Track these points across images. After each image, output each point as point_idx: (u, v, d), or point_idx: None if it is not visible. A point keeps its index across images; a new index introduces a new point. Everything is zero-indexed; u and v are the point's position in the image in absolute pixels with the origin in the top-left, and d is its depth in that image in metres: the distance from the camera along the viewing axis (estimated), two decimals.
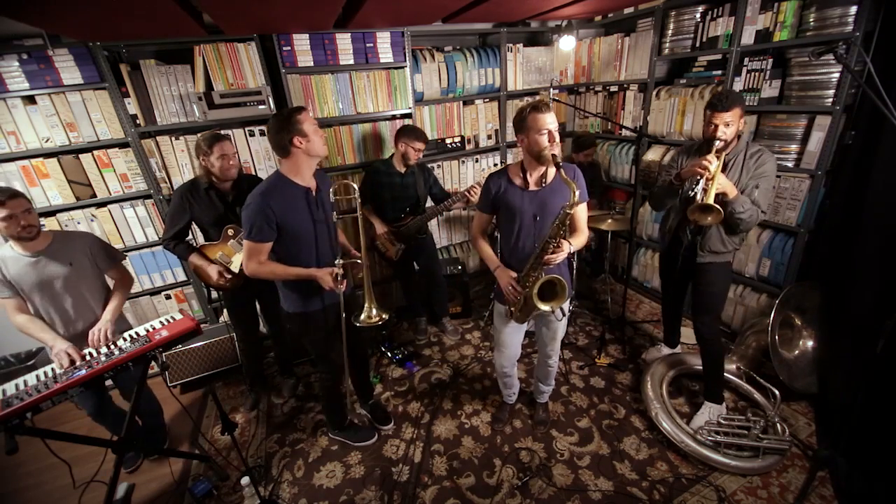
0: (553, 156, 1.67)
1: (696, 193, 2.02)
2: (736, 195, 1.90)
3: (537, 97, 3.71)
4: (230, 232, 2.28)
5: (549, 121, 1.68)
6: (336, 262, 1.90)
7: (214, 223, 2.28)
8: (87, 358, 1.81)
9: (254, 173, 2.86)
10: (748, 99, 2.52)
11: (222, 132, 2.48)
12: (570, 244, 1.79)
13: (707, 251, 2.14)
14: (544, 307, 1.75)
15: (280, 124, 1.72)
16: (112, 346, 1.87)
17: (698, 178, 1.93)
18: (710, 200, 1.83)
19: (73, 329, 2.00)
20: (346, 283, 1.95)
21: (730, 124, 1.90)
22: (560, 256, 1.75)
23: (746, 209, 1.92)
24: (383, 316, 2.02)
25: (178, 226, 2.26)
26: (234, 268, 2.32)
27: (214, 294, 2.93)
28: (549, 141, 1.69)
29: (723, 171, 1.96)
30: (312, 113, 2.92)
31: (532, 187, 1.85)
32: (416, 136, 2.67)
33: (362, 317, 2.02)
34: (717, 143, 1.92)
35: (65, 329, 1.98)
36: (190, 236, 2.40)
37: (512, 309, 1.98)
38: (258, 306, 2.63)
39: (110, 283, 2.16)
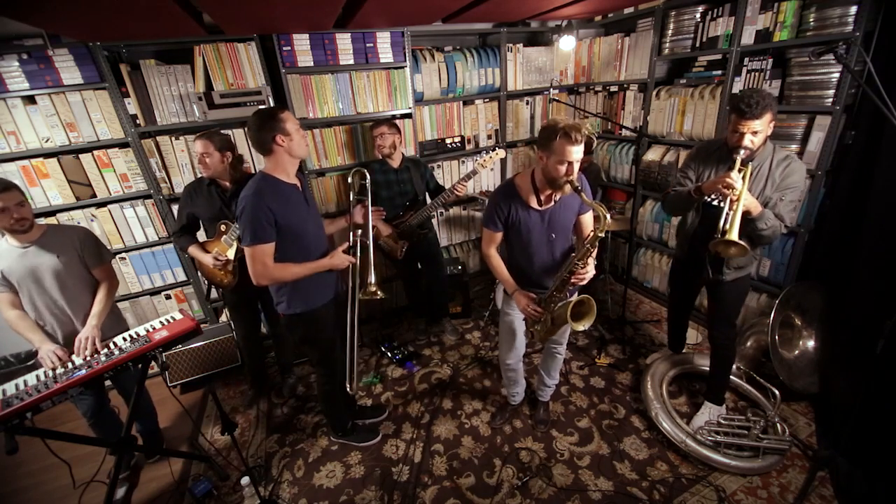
0: (570, 182, 1.63)
1: (714, 200, 1.91)
2: (760, 212, 1.73)
3: (543, 97, 3.71)
4: (222, 228, 2.28)
5: (576, 152, 1.58)
6: (356, 231, 2.04)
7: (212, 219, 2.31)
8: (81, 361, 1.79)
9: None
10: None
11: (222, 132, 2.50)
12: (595, 260, 1.77)
13: (733, 268, 2.02)
14: (580, 327, 1.73)
15: (262, 122, 1.68)
16: (97, 354, 1.82)
17: (721, 195, 1.77)
18: (735, 233, 1.64)
19: (67, 327, 1.97)
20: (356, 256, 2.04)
21: (758, 133, 1.68)
22: (589, 276, 1.73)
23: (770, 225, 1.75)
24: (381, 293, 2.08)
25: (181, 220, 2.36)
26: (230, 265, 2.31)
27: (214, 294, 2.94)
28: (566, 174, 1.62)
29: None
30: (312, 113, 2.93)
31: (543, 206, 1.82)
32: (376, 125, 2.72)
33: (367, 287, 2.09)
34: (742, 153, 1.70)
35: (59, 326, 1.96)
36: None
37: (532, 330, 1.96)
38: (260, 305, 2.63)
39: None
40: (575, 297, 1.75)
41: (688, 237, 2.15)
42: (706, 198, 1.94)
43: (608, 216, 1.60)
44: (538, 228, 1.83)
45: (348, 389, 2.23)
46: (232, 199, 2.27)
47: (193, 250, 2.34)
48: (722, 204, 1.76)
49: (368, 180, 2.23)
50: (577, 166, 1.63)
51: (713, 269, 2.04)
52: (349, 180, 2.29)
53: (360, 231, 2.10)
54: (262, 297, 2.54)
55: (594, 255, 1.77)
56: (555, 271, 1.89)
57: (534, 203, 1.81)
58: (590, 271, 1.74)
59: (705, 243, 1.95)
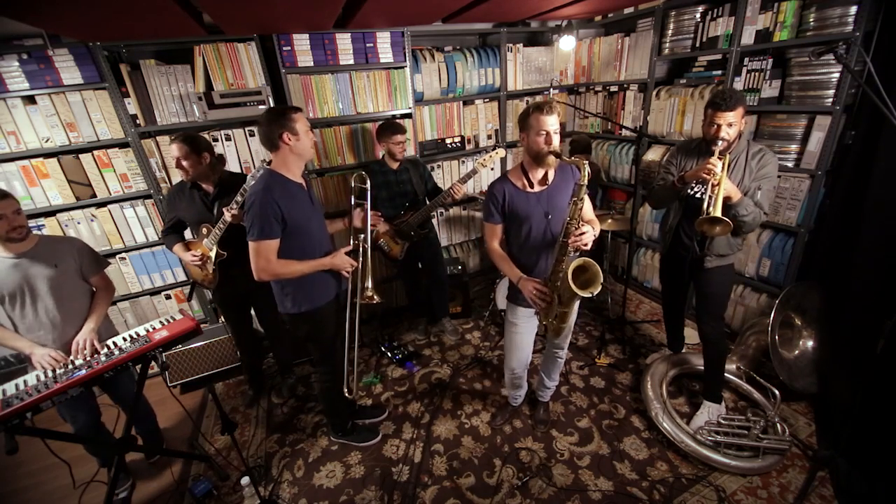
0: (551, 152, 1.68)
1: (696, 192, 2.03)
2: (740, 198, 1.87)
3: (544, 97, 3.72)
4: (204, 231, 2.25)
5: (550, 122, 1.67)
6: (359, 237, 2.00)
7: (196, 222, 2.28)
8: (81, 362, 1.79)
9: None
10: (748, 99, 2.52)
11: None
12: (594, 229, 1.75)
13: (714, 255, 2.10)
14: (584, 294, 1.66)
15: (273, 118, 1.71)
16: (97, 355, 1.82)
17: (703, 181, 1.89)
18: (719, 211, 1.77)
19: (61, 337, 1.94)
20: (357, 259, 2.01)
21: (732, 125, 1.85)
22: (588, 237, 1.69)
23: (750, 212, 1.88)
24: (377, 297, 2.08)
25: (170, 221, 2.35)
26: (209, 266, 2.30)
27: (210, 295, 2.92)
28: (545, 143, 1.68)
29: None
30: (312, 113, 2.93)
31: (536, 188, 1.84)
32: (392, 131, 2.69)
33: (364, 291, 2.09)
34: (720, 143, 1.85)
35: (52, 336, 1.92)
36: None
37: (546, 322, 1.89)
38: (251, 305, 2.62)
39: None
40: (573, 263, 1.67)
41: (671, 231, 2.23)
42: (689, 190, 2.06)
43: (587, 164, 1.63)
44: (534, 210, 1.84)
45: (346, 394, 2.23)
46: (215, 201, 2.24)
47: (177, 249, 2.32)
48: (702, 194, 1.89)
49: (369, 185, 2.22)
50: (556, 138, 1.69)
51: (700, 248, 2.12)
52: (352, 185, 2.25)
53: (361, 236, 2.09)
54: (252, 296, 2.52)
55: (593, 225, 1.76)
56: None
57: (527, 187, 1.84)
58: (586, 231, 1.69)
59: (689, 235, 2.13)
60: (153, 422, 2.43)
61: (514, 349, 2.13)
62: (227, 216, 2.08)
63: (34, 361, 1.81)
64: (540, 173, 1.82)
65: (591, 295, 1.67)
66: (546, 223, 1.85)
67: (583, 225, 1.70)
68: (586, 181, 1.63)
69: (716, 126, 1.86)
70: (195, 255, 2.26)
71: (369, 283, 2.07)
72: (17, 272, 1.82)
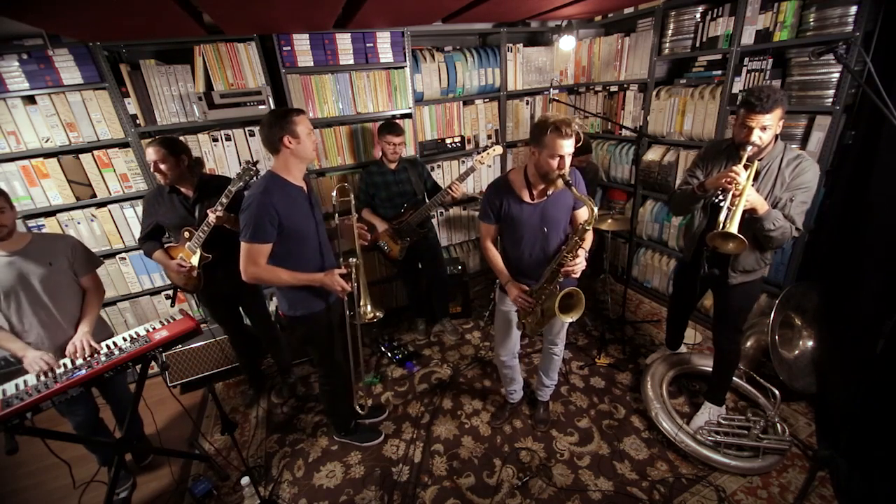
0: (562, 177, 1.66)
1: (720, 200, 1.81)
2: (766, 211, 1.68)
3: (544, 96, 3.71)
4: (186, 234, 2.22)
5: (567, 146, 1.62)
6: (348, 261, 1.93)
7: (177, 226, 2.24)
8: (81, 362, 1.78)
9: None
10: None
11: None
12: (585, 250, 1.78)
13: (739, 272, 1.94)
14: (567, 319, 1.76)
15: (274, 121, 1.70)
16: (97, 354, 1.82)
17: (724, 190, 1.73)
18: (734, 227, 1.59)
19: (57, 335, 1.92)
20: (350, 283, 1.95)
21: (767, 128, 1.64)
22: (579, 268, 1.75)
23: (778, 226, 1.69)
24: (378, 314, 2.05)
25: (148, 227, 2.28)
26: (193, 270, 2.27)
27: (197, 298, 2.90)
28: (558, 167, 1.66)
29: (754, 179, 1.73)
30: (312, 113, 2.93)
31: (536, 199, 1.84)
32: (388, 131, 2.69)
33: (361, 312, 2.05)
34: (749, 149, 1.66)
35: (48, 334, 1.91)
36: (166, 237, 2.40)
37: (524, 321, 1.98)
38: (240, 306, 2.61)
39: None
40: (563, 290, 1.75)
41: (694, 239, 2.08)
42: (714, 198, 1.91)
43: (595, 209, 1.64)
44: (531, 222, 1.85)
45: (357, 409, 2.26)
46: (195, 204, 2.21)
47: (159, 255, 2.28)
48: (723, 202, 1.72)
49: (352, 198, 2.18)
50: (568, 160, 1.67)
51: (709, 264, 2.01)
52: (334, 201, 2.13)
53: (352, 260, 2.00)
54: (239, 297, 2.51)
55: (584, 246, 1.78)
56: (547, 264, 1.90)
57: (526, 197, 1.84)
58: (579, 263, 1.74)
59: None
60: (139, 427, 2.38)
61: (502, 334, 2.16)
62: (212, 218, 2.06)
63: (25, 364, 1.79)
64: (542, 187, 1.81)
65: (570, 320, 1.78)
66: (541, 235, 1.87)
67: (577, 257, 1.74)
68: (591, 227, 1.68)
69: (747, 129, 1.66)
70: (182, 265, 2.22)
71: (368, 307, 2.05)
72: (11, 270, 1.81)
